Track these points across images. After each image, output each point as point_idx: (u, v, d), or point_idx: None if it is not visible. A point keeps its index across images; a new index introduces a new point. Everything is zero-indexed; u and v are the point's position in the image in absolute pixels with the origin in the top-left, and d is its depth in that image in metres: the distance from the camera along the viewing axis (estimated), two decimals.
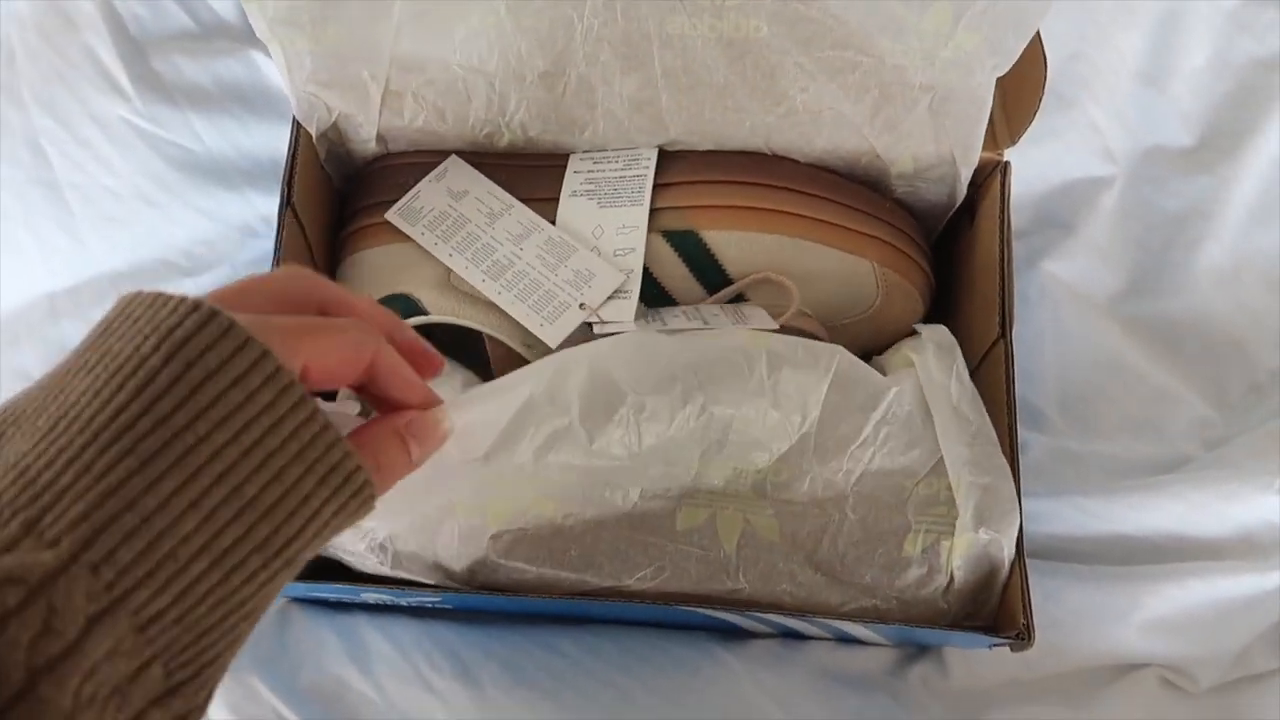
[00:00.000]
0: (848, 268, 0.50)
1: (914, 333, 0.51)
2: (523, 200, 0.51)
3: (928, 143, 0.49)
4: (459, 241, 0.49)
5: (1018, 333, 0.49)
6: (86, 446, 0.24)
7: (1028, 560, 0.43)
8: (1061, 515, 0.56)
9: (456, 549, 0.42)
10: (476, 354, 0.52)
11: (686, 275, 0.49)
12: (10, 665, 0.20)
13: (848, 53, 0.46)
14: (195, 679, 0.25)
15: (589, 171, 0.51)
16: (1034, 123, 0.49)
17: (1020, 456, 0.46)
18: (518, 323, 0.48)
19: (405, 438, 0.32)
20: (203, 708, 0.25)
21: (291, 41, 0.45)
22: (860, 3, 0.43)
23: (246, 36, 0.61)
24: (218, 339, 0.25)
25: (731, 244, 0.49)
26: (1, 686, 0.20)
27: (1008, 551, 0.43)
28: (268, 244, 0.60)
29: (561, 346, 0.47)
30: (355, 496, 0.27)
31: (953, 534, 0.43)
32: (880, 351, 0.53)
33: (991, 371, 0.48)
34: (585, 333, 0.47)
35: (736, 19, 0.44)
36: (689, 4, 0.44)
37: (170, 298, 0.26)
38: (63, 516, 0.22)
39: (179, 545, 0.24)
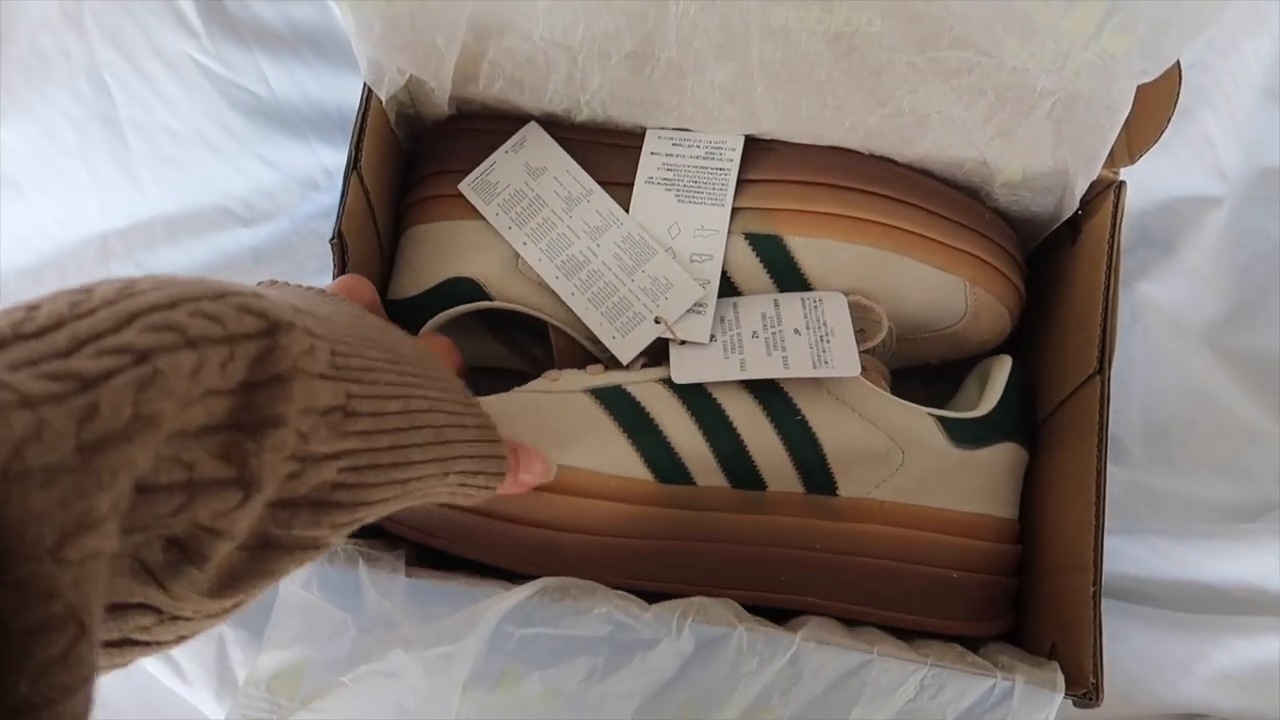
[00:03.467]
0: (938, 283, 0.46)
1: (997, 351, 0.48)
2: (596, 182, 0.48)
3: (1043, 153, 0.45)
4: (534, 228, 0.46)
5: None
6: (362, 338, 0.30)
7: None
8: (1134, 554, 0.54)
9: None
10: (541, 338, 0.49)
11: (766, 282, 0.46)
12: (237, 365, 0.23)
13: (965, 53, 0.42)
14: (345, 508, 0.27)
15: (667, 155, 0.48)
16: None
17: None
18: None
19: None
20: (329, 546, 0.28)
21: (361, 5, 0.42)
22: (989, 1, 0.39)
23: None
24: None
25: (817, 252, 0.46)
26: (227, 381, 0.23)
27: None
28: (328, 198, 0.58)
29: (633, 361, 0.45)
30: (493, 474, 0.36)
31: None
32: (958, 361, 0.51)
33: (1083, 405, 0.45)
34: (658, 345, 0.45)
35: (848, 13, 0.41)
36: None
37: None
38: (316, 324, 0.27)
39: (384, 399, 0.29)
